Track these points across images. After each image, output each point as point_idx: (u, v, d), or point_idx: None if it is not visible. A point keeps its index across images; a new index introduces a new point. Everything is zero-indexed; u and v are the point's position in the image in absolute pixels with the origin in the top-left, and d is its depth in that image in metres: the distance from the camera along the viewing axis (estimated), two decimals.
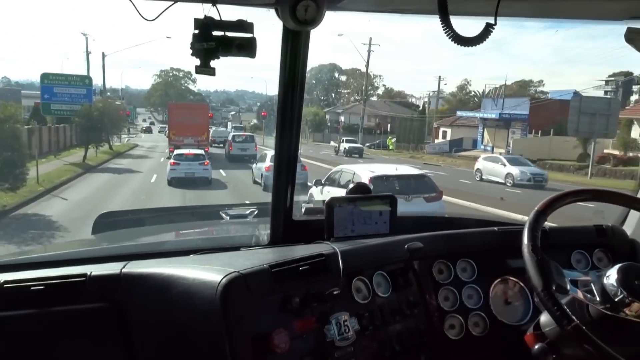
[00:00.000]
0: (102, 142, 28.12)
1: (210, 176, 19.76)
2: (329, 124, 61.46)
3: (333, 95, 78.37)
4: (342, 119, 63.05)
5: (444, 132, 48.30)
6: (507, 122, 38.28)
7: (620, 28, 1.82)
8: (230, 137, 31.82)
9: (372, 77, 75.14)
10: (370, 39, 47.13)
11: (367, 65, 49.29)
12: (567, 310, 1.31)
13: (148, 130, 64.76)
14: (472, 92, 61.84)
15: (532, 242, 1.43)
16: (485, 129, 41.75)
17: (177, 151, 21.24)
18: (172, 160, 19.93)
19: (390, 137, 46.07)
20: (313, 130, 58.08)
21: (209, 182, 19.25)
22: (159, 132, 62.14)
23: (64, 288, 1.54)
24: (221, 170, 22.89)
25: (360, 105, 63.73)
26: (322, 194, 11.50)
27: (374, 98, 71.24)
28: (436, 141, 47.51)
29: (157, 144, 40.84)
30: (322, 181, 11.71)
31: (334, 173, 12.06)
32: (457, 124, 46.89)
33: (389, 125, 51.24)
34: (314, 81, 73.46)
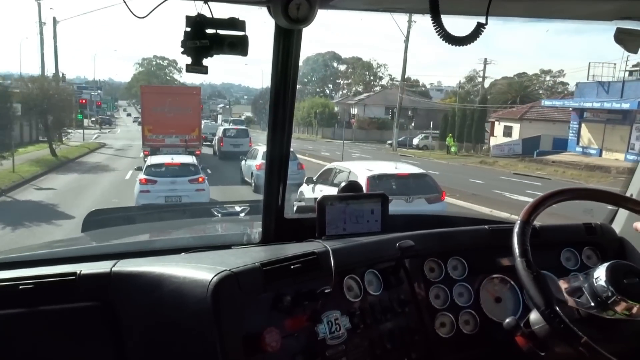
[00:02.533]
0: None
1: (208, 199, 12.65)
2: (339, 117, 53.33)
3: (331, 86, 73.21)
4: (355, 111, 55.01)
5: (507, 128, 37.25)
6: (627, 115, 26.59)
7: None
8: (220, 132, 26.16)
9: (375, 67, 70.25)
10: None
11: (406, 41, 36.84)
12: (574, 327, 1.31)
13: (105, 122, 50.24)
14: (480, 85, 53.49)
15: (525, 256, 1.41)
16: (582, 124, 30.13)
17: (152, 159, 13.66)
18: (142, 177, 12.49)
19: (450, 136, 35.85)
20: (322, 125, 50.71)
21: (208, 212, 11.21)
22: (134, 121, 51.75)
23: (54, 287, 1.53)
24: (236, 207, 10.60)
25: (377, 95, 56.10)
26: (313, 193, 11.05)
27: (374, 88, 66.27)
28: (493, 140, 37.26)
29: (132, 142, 29.66)
30: (314, 179, 11.27)
31: (327, 171, 11.46)
32: (527, 117, 35.96)
33: (413, 118, 42.84)
34: (305, 78, 68.70)
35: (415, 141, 41.77)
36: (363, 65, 70.93)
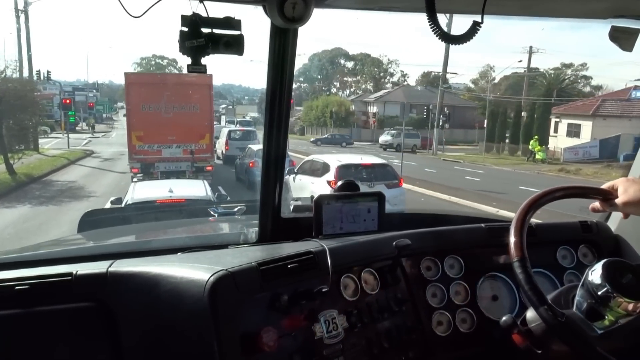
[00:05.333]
0: None
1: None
2: (356, 115, 50.32)
3: (337, 84, 69.48)
4: (374, 109, 50.82)
5: (573, 126, 31.06)
6: None
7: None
8: (225, 134, 22.46)
9: (385, 63, 66.91)
10: None
11: (449, 24, 34.13)
12: None
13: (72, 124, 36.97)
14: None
15: (545, 303, 1.37)
16: None
17: (137, 190, 8.64)
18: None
19: (535, 139, 28.96)
20: (338, 126, 47.43)
21: None
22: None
23: (50, 287, 1.52)
24: None
25: (397, 91, 51.98)
26: (294, 182, 12.21)
27: (385, 85, 63.18)
28: (553, 140, 30.81)
29: (126, 149, 18.61)
30: (295, 170, 12.55)
31: (305, 162, 13.13)
32: (601, 114, 29.85)
33: (440, 116, 36.25)
34: (302, 76, 66.52)
35: (384, 138, 36.57)
36: (372, 61, 67.69)
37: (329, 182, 11.02)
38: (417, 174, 20.51)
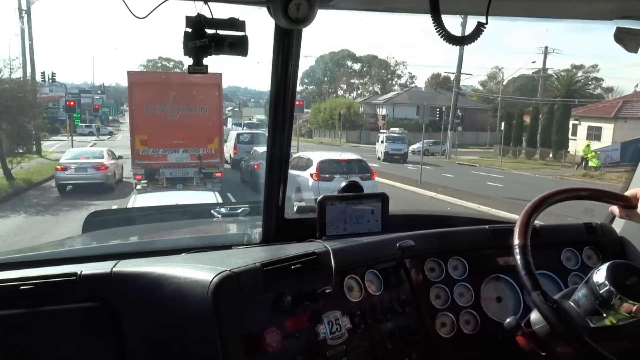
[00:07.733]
0: None
1: None
2: (364, 118, 49.58)
3: (344, 86, 68.39)
4: (383, 111, 49.81)
5: (593, 129, 29.88)
6: None
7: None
8: (233, 137, 21.43)
9: (393, 64, 65.71)
10: None
11: (463, 23, 30.54)
12: (608, 354, 1.32)
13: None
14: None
15: (538, 288, 1.39)
16: None
17: (139, 202, 8.05)
18: None
19: (588, 145, 26.87)
20: (346, 128, 46.55)
21: None
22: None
23: (54, 287, 1.53)
24: None
25: (406, 93, 51.15)
26: None
27: (393, 87, 62.17)
28: (572, 144, 29.41)
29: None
30: None
31: (293, 159, 14.39)
32: (622, 116, 28.59)
33: (461, 119, 34.98)
34: (306, 78, 65.93)
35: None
36: (379, 63, 66.26)
37: (311, 175, 13.11)
38: (435, 179, 19.78)
